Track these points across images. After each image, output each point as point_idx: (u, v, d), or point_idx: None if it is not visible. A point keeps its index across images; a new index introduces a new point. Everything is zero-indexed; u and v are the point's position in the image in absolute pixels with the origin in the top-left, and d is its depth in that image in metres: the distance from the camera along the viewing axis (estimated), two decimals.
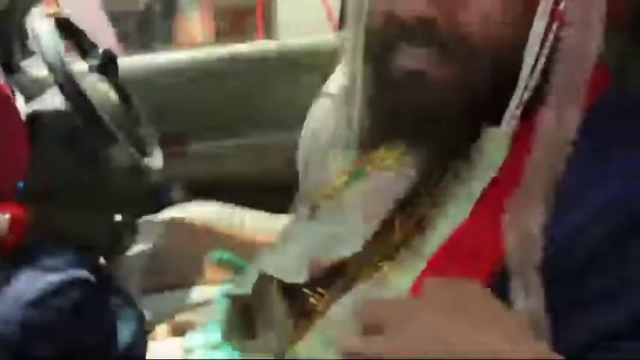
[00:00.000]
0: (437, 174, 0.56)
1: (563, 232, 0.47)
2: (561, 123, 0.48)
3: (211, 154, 1.74)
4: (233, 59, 1.75)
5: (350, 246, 0.55)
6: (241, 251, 1.41)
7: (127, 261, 1.35)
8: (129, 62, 1.68)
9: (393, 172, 0.57)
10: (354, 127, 0.67)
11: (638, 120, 0.53)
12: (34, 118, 1.12)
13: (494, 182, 0.51)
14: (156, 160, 1.28)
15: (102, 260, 1.07)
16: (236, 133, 1.76)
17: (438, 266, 0.50)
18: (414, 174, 0.56)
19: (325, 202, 0.67)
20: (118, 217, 1.06)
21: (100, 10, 2.57)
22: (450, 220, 0.52)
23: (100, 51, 1.32)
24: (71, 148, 1.13)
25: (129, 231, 1.06)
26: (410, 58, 0.54)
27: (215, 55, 1.77)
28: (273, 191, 1.71)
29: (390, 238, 0.55)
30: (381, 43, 0.57)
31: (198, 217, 1.53)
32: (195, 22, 2.58)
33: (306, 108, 1.63)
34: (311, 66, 1.78)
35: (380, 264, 0.54)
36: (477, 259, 0.48)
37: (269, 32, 4.40)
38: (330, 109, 1.55)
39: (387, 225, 0.56)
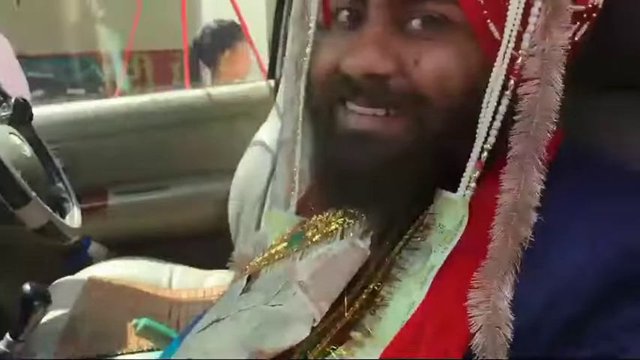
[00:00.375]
0: (388, 242, 0.51)
1: (534, 306, 0.43)
2: (523, 189, 0.45)
3: (134, 207, 1.65)
4: (158, 107, 1.67)
5: (296, 332, 0.49)
6: (169, 310, 1.33)
7: (41, 329, 1.23)
8: (45, 111, 1.58)
9: (348, 244, 0.51)
10: (295, 189, 0.62)
11: (598, 174, 0.50)
12: None
13: (454, 254, 0.46)
14: (74, 218, 1.18)
15: (8, 336, 0.95)
16: (161, 185, 1.67)
17: (397, 354, 0.44)
18: (367, 245, 0.51)
19: (264, 272, 0.61)
20: (28, 286, 0.94)
21: (12, 56, 2.44)
22: (406, 297, 0.47)
23: (12, 100, 1.21)
24: None
25: (41, 301, 0.95)
26: (358, 118, 0.49)
27: (139, 103, 1.69)
28: (203, 243, 1.64)
29: (339, 317, 0.49)
30: (324, 100, 0.53)
31: (121, 275, 1.43)
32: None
33: (237, 156, 1.58)
34: (242, 113, 1.74)
35: (327, 349, 0.48)
36: (441, 344, 0.43)
37: (196, 78, 4.36)
38: (262, 158, 1.51)
39: (335, 302, 0.50)
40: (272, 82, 1.77)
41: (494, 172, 0.47)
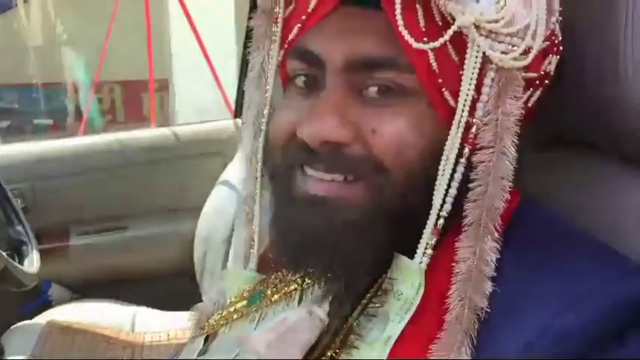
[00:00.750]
0: (346, 308, 0.51)
1: None
2: (479, 258, 0.45)
3: (97, 247, 1.61)
4: (123, 146, 1.65)
5: None
6: (132, 355, 1.29)
7: None
8: (5, 151, 1.55)
9: (305, 311, 0.50)
10: (255, 247, 0.62)
11: (554, 238, 0.50)
12: None
13: (412, 323, 0.46)
14: (32, 263, 1.15)
15: None
16: (125, 225, 1.64)
17: None
18: (325, 312, 0.50)
19: (222, 332, 0.59)
20: None
21: None
22: None
23: None
24: None
25: None
26: (316, 183, 0.49)
27: (104, 142, 1.66)
28: (168, 284, 1.61)
29: None
30: (282, 163, 0.52)
31: (82, 319, 1.39)
32: None
33: (204, 195, 1.56)
34: (209, 152, 1.73)
35: None
36: None
37: (165, 116, 4.34)
38: (228, 198, 1.49)
39: None
40: (239, 121, 1.76)
41: (452, 237, 0.47)
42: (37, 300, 1.51)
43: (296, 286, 0.57)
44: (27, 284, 1.12)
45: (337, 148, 0.48)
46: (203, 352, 0.59)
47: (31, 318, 1.40)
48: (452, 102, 0.47)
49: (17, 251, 1.19)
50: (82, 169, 1.60)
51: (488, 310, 0.44)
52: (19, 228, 1.24)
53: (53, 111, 4.56)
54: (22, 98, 4.59)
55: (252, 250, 0.63)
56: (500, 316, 0.44)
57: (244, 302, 0.61)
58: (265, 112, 0.56)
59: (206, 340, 0.61)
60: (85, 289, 1.56)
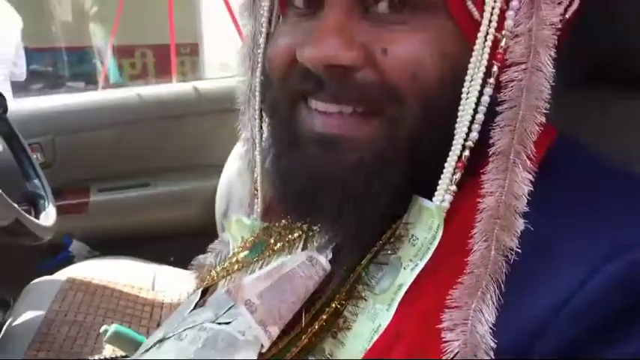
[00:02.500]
0: (353, 255, 0.45)
1: (519, 332, 0.36)
2: (508, 192, 0.38)
3: (118, 204, 1.58)
4: (144, 101, 1.61)
5: (242, 356, 0.42)
6: (151, 312, 1.27)
7: (15, 330, 1.17)
8: (26, 105, 1.52)
9: (305, 257, 0.45)
10: (259, 194, 0.56)
11: (591, 183, 0.43)
12: None
13: (427, 270, 0.40)
14: (48, 216, 1.12)
15: None
16: (146, 182, 1.61)
17: None
18: (328, 259, 0.44)
19: (222, 284, 0.55)
20: None
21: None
22: (371, 318, 0.41)
23: None
24: None
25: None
26: (324, 119, 0.43)
27: (126, 97, 1.62)
28: (190, 242, 1.58)
29: (295, 339, 0.43)
30: (282, 97, 0.46)
31: (102, 275, 1.37)
32: None
33: (228, 152, 1.52)
34: (232, 108, 1.67)
35: None
36: None
37: (196, 71, 4.33)
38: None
39: (291, 321, 0.44)
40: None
41: (476, 175, 0.40)
42: (59, 256, 1.49)
43: (300, 232, 0.52)
44: (42, 238, 1.09)
45: (344, 73, 0.41)
46: (201, 305, 0.54)
47: (52, 273, 1.39)
48: (476, 14, 0.40)
49: (33, 205, 1.16)
50: (104, 123, 1.57)
51: (519, 251, 0.37)
52: (36, 181, 1.21)
53: (85, 74, 4.59)
54: (55, 62, 4.63)
55: (256, 200, 0.57)
56: (535, 258, 0.37)
57: (246, 252, 0.56)
58: (261, 41, 0.50)
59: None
60: (105, 247, 1.54)
